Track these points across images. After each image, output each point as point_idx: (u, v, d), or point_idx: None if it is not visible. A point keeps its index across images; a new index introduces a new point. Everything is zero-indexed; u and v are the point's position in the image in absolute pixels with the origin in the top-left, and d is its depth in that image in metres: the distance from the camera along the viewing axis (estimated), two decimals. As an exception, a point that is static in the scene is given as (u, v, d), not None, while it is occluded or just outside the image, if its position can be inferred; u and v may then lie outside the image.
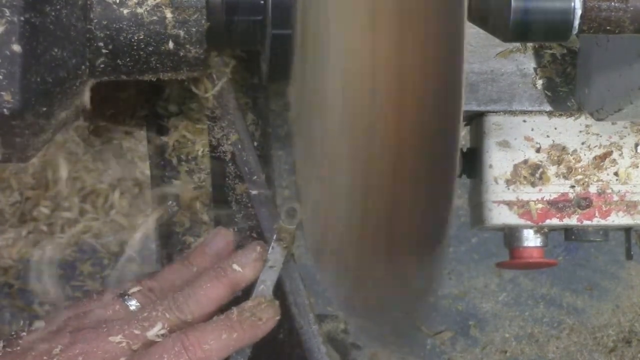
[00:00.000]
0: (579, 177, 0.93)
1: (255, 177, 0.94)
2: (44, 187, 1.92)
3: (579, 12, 0.69)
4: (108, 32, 0.77)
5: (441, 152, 0.65)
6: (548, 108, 0.93)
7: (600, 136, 0.93)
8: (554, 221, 0.93)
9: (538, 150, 0.93)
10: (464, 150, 0.96)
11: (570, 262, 1.90)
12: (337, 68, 0.66)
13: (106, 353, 0.80)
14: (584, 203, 0.93)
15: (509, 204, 0.93)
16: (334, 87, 0.66)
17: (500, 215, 0.93)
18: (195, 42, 0.79)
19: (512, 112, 0.93)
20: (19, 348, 0.81)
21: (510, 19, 0.69)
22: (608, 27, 0.70)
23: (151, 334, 0.81)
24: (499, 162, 0.93)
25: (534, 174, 0.93)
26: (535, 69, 0.94)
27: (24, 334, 0.82)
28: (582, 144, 0.93)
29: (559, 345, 1.80)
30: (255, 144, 1.00)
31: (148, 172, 1.13)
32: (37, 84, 0.73)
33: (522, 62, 0.94)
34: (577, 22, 0.69)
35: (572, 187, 0.93)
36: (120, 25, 0.77)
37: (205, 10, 0.79)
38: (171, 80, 0.86)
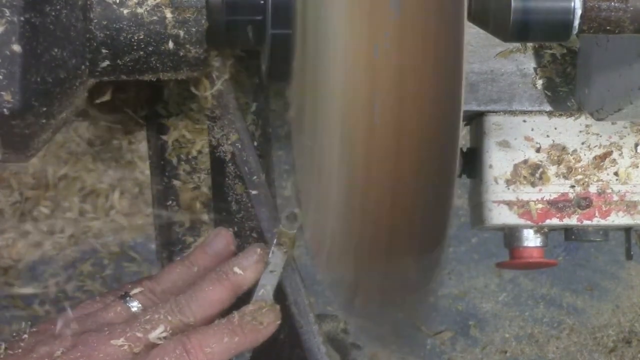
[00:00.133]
0: (579, 177, 0.93)
1: (255, 177, 0.93)
2: (44, 187, 1.92)
3: (579, 12, 0.69)
4: (108, 32, 0.77)
5: (441, 153, 0.65)
6: (548, 108, 0.93)
7: (600, 136, 0.93)
8: (554, 221, 0.93)
9: (538, 150, 0.93)
10: (464, 150, 0.96)
11: (570, 262, 1.90)
12: (337, 68, 0.66)
13: (108, 356, 0.80)
14: (584, 203, 0.93)
15: (509, 204, 0.93)
16: (334, 87, 0.66)
17: (500, 215, 0.93)
18: (195, 42, 0.79)
19: (512, 112, 0.93)
20: (20, 350, 0.81)
21: (510, 19, 0.69)
22: (608, 27, 0.70)
23: (153, 336, 0.81)
24: (499, 162, 0.93)
25: (534, 174, 0.93)
26: (535, 69, 0.94)
27: (26, 335, 0.82)
28: (582, 144, 0.93)
29: (559, 345, 1.80)
30: (255, 144, 1.00)
31: (148, 172, 1.13)
32: (37, 84, 0.73)
33: (522, 62, 0.94)
34: (577, 22, 0.69)
35: (572, 187, 0.93)
36: (120, 25, 0.77)
37: (205, 10, 0.79)
38: (171, 80, 0.86)
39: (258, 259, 0.86)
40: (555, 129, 0.93)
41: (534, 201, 0.93)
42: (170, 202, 0.98)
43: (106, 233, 1.91)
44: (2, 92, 0.71)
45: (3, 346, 0.81)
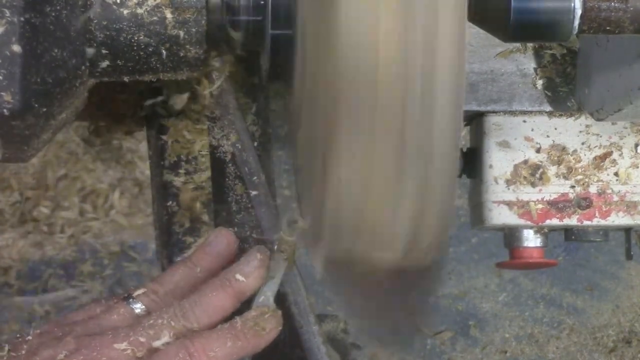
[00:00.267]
0: (579, 177, 0.93)
1: (255, 177, 0.94)
2: (44, 187, 1.92)
3: (579, 12, 0.69)
4: (108, 33, 0.77)
5: (441, 153, 0.65)
6: (548, 108, 0.93)
7: (600, 136, 0.93)
8: (554, 221, 0.93)
9: (538, 151, 0.93)
10: (464, 150, 0.96)
11: (570, 262, 1.90)
12: (337, 68, 0.66)
13: None
14: (584, 203, 0.93)
15: (509, 204, 0.93)
16: (334, 87, 0.66)
17: (500, 216, 0.93)
18: (195, 43, 0.79)
19: (512, 112, 0.93)
20: (23, 352, 0.81)
21: (510, 19, 0.69)
22: (608, 27, 0.70)
23: (157, 343, 0.81)
24: (499, 162, 0.93)
25: (534, 174, 0.93)
26: (535, 69, 0.94)
27: (29, 337, 0.82)
28: (582, 144, 0.93)
29: (559, 345, 1.80)
30: (255, 144, 1.00)
31: (148, 172, 1.13)
32: (37, 84, 0.73)
33: (522, 62, 0.94)
34: (577, 22, 0.69)
35: (572, 187, 0.93)
36: (120, 25, 0.77)
37: (205, 11, 0.79)
38: (171, 81, 0.86)
39: (259, 264, 0.86)
40: (555, 129, 0.93)
41: (534, 201, 0.93)
42: (170, 202, 0.98)
43: (106, 233, 1.91)
44: (2, 93, 0.71)
45: (6, 348, 0.81)
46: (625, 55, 0.82)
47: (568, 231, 0.95)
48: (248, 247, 0.92)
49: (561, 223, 0.93)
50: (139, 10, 0.77)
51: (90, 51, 0.77)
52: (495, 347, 1.80)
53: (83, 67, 0.77)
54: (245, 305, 0.86)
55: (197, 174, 0.98)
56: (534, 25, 0.70)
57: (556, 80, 0.94)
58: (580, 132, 0.93)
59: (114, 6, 0.77)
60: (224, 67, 0.95)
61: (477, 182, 0.95)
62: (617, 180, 0.93)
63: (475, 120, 0.96)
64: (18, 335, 0.83)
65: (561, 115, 0.93)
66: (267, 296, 0.86)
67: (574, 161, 0.93)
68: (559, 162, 0.93)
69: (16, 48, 0.71)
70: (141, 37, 0.78)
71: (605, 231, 0.95)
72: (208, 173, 0.98)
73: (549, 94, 0.94)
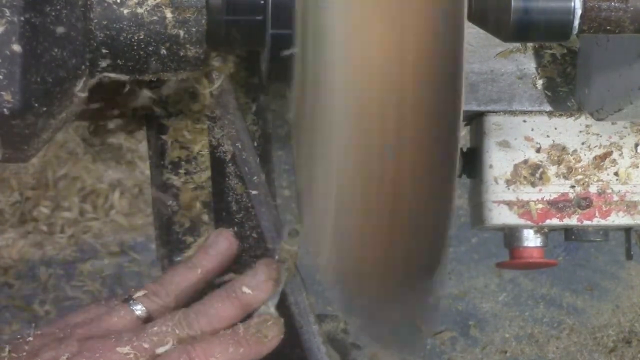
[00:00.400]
0: (579, 177, 0.93)
1: (255, 177, 0.94)
2: (44, 187, 1.92)
3: (579, 12, 0.69)
4: (108, 32, 0.77)
5: (442, 153, 0.65)
6: (548, 108, 0.93)
7: (600, 136, 0.93)
8: (554, 221, 0.93)
9: (538, 150, 0.93)
10: (464, 150, 0.96)
11: (570, 262, 1.90)
12: (337, 67, 0.66)
13: None
14: (584, 203, 0.93)
15: (509, 204, 0.93)
16: (334, 87, 0.66)
17: (500, 215, 0.93)
18: (195, 42, 0.79)
19: (512, 112, 0.93)
20: (25, 354, 0.81)
21: (510, 19, 0.69)
22: (608, 27, 0.70)
23: (160, 350, 0.81)
24: (499, 162, 0.93)
25: (534, 174, 0.93)
26: (535, 69, 0.94)
27: (30, 338, 0.82)
28: (582, 144, 0.93)
29: (559, 345, 1.80)
30: (255, 144, 1.00)
31: (148, 172, 1.13)
32: (37, 84, 0.73)
33: (522, 62, 0.94)
34: (577, 22, 0.69)
35: (572, 187, 0.93)
36: (121, 25, 0.77)
37: (205, 10, 0.79)
38: (171, 80, 0.86)
39: (266, 278, 0.86)
40: (556, 129, 0.93)
41: (534, 201, 0.93)
42: (170, 202, 0.98)
43: (106, 233, 1.91)
44: (2, 92, 0.71)
45: (7, 349, 0.81)
46: (625, 55, 0.82)
47: (568, 231, 0.95)
48: (248, 247, 0.92)
49: (561, 223, 0.93)
50: (139, 10, 0.77)
51: (90, 51, 0.77)
52: (495, 347, 1.80)
53: (83, 67, 0.77)
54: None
55: (197, 174, 0.98)
56: (534, 25, 0.70)
57: (556, 80, 0.94)
58: (580, 132, 0.93)
59: (114, 6, 0.77)
60: (224, 67, 0.95)
61: (477, 182, 0.95)
62: (617, 180, 0.93)
63: (475, 120, 0.96)
64: (19, 336, 0.83)
65: (561, 115, 0.93)
66: (268, 305, 0.86)
67: (574, 161, 0.93)
68: (559, 162, 0.93)
69: (16, 48, 0.71)
70: (141, 37, 0.78)
71: (605, 231, 0.95)
72: (208, 173, 0.98)
73: (549, 93, 0.94)
